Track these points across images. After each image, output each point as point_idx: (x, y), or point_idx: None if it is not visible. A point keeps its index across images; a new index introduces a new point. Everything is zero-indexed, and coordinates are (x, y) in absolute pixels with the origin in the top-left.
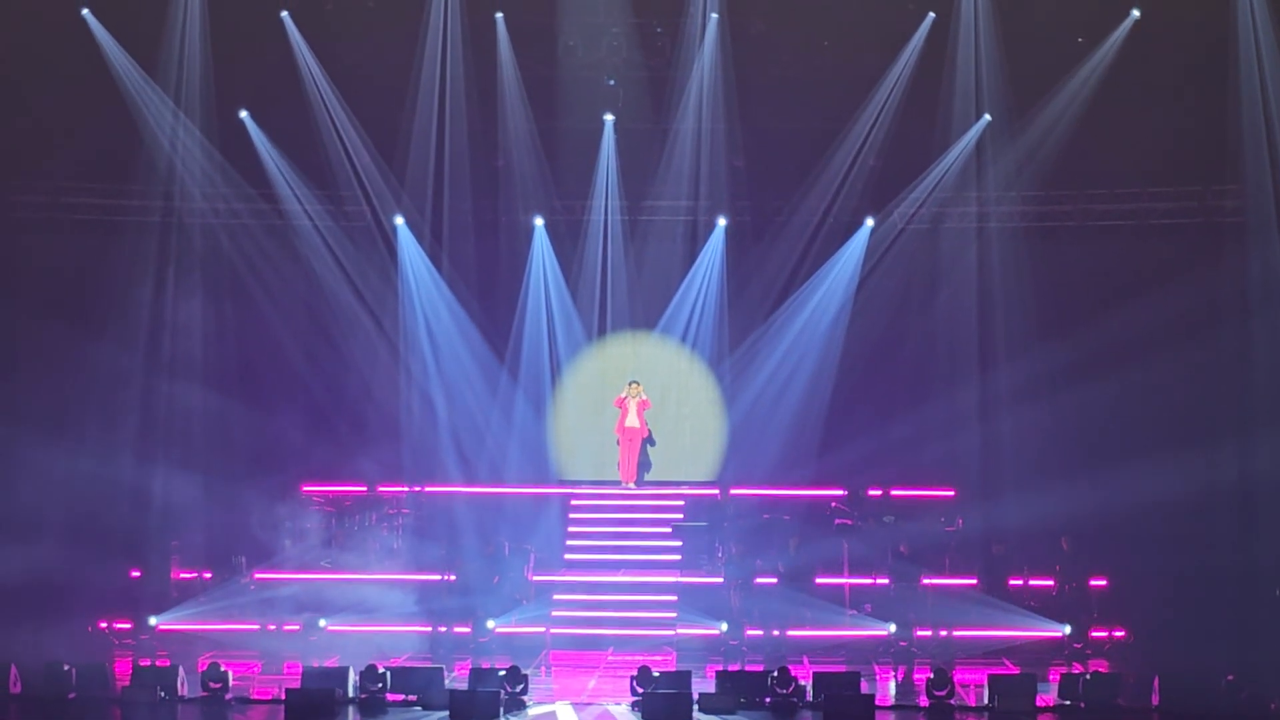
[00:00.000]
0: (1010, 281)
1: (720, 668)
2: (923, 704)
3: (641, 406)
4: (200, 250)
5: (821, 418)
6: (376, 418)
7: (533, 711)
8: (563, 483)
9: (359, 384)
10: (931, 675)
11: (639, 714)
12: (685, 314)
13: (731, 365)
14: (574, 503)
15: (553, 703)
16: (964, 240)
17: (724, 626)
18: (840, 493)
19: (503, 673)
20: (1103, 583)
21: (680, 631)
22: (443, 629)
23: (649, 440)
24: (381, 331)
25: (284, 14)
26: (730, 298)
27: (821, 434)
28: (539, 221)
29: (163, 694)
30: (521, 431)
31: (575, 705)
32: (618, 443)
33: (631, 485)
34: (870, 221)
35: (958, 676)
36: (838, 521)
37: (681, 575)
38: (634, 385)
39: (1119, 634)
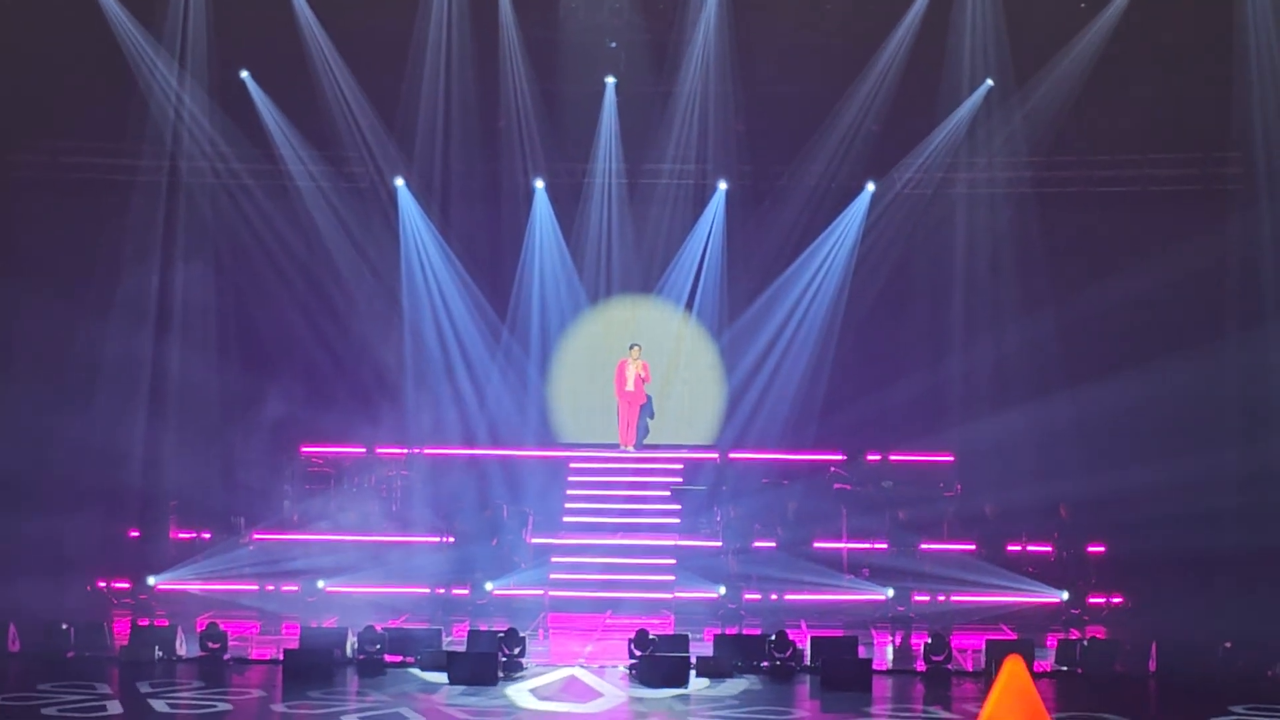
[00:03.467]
0: (1011, 247)
1: (718, 631)
2: (920, 669)
3: (640, 376)
4: (200, 211)
5: (821, 382)
6: (376, 380)
7: (531, 676)
8: (562, 445)
9: (359, 345)
10: (929, 640)
11: (637, 676)
12: (686, 278)
13: (732, 329)
14: (573, 465)
15: (551, 666)
16: (964, 205)
17: (722, 590)
18: (839, 457)
19: (501, 635)
20: (1100, 549)
21: (678, 595)
22: (441, 591)
23: (648, 408)
24: (382, 293)
25: None
26: (731, 262)
27: (822, 399)
28: (540, 184)
29: (161, 653)
30: (521, 394)
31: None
32: (618, 407)
33: (630, 448)
34: (872, 186)
35: (955, 642)
36: (836, 486)
37: (680, 539)
38: (635, 349)
39: (1117, 600)
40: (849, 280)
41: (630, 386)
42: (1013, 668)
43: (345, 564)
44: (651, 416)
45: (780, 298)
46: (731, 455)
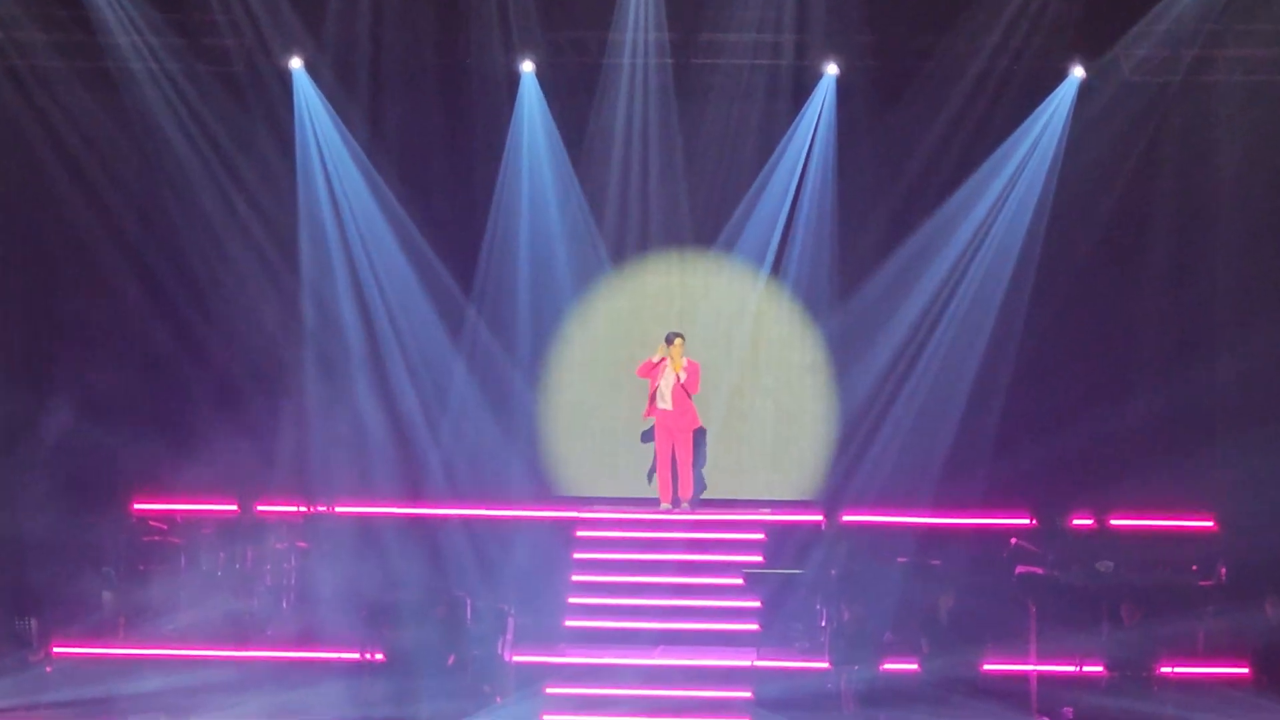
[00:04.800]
0: None
1: None
2: None
3: (688, 382)
4: None
5: (995, 400)
6: (256, 389)
7: None
8: (565, 502)
9: (227, 332)
10: None
11: None
12: (768, 224)
13: (845, 308)
14: (582, 535)
15: None
16: (1233, 99)
17: None
18: (1024, 522)
19: None
20: None
21: None
22: None
23: (700, 436)
24: (268, 246)
25: None
26: (844, 197)
27: (995, 427)
28: (527, 67)
29: None
30: (500, 416)
31: None
32: (652, 438)
33: (674, 506)
34: (1079, 72)
35: None
36: (1020, 570)
37: (760, 656)
38: (677, 342)
39: None
40: (1042, 227)
41: (667, 401)
42: None
43: (204, 696)
44: (702, 463)
45: (925, 257)
46: (846, 518)
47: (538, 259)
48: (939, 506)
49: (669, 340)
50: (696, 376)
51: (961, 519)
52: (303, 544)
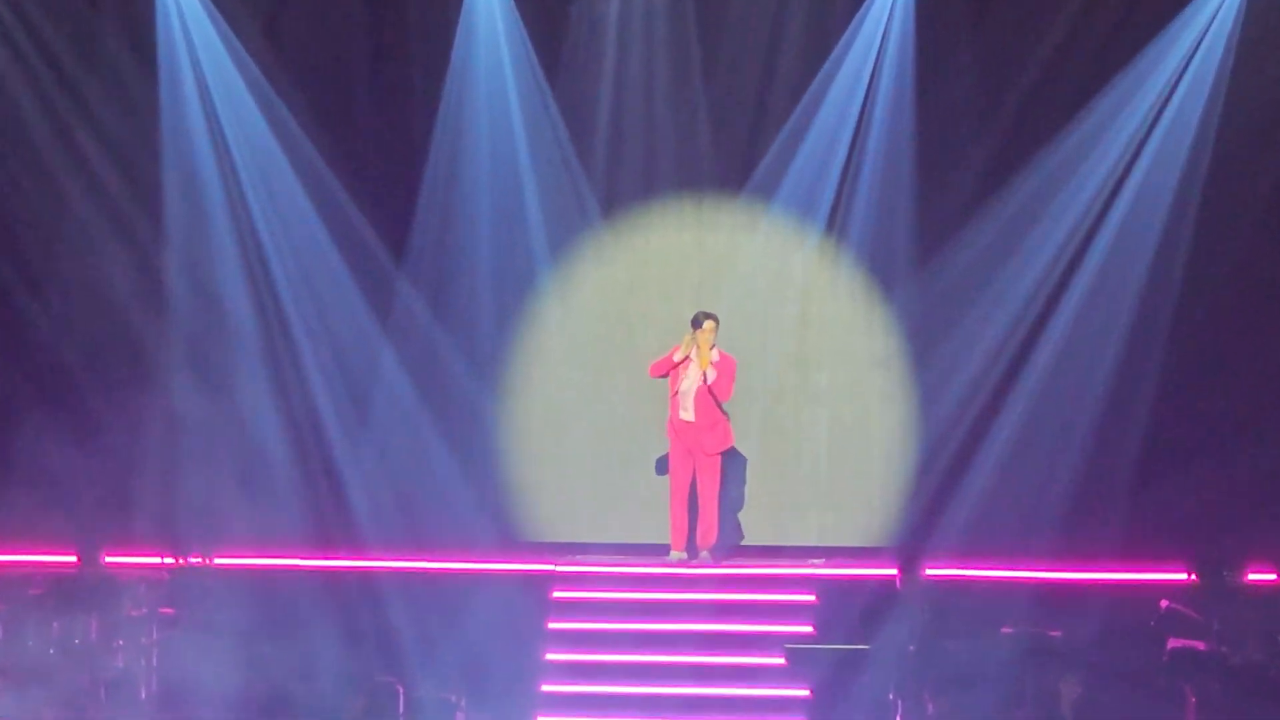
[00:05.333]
0: None
1: None
2: None
3: (719, 384)
4: None
5: (1138, 415)
6: (105, 390)
7: None
8: (537, 550)
9: (69, 309)
10: None
11: None
12: (815, 165)
13: (926, 285)
14: (560, 596)
15: None
16: None
17: None
18: (1181, 578)
19: None
20: None
21: None
22: None
23: (731, 460)
24: (124, 194)
25: None
26: (922, 128)
27: (1138, 450)
28: None
29: None
30: (446, 431)
31: None
32: (666, 467)
33: (690, 557)
34: None
35: None
36: (1174, 644)
37: None
38: (708, 326)
39: None
40: (1198, 183)
41: (689, 410)
42: None
43: None
44: (739, 504)
45: (1034, 217)
46: (929, 573)
47: (498, 212)
48: (1059, 557)
49: (696, 323)
50: (731, 377)
51: (1091, 574)
52: (168, 609)
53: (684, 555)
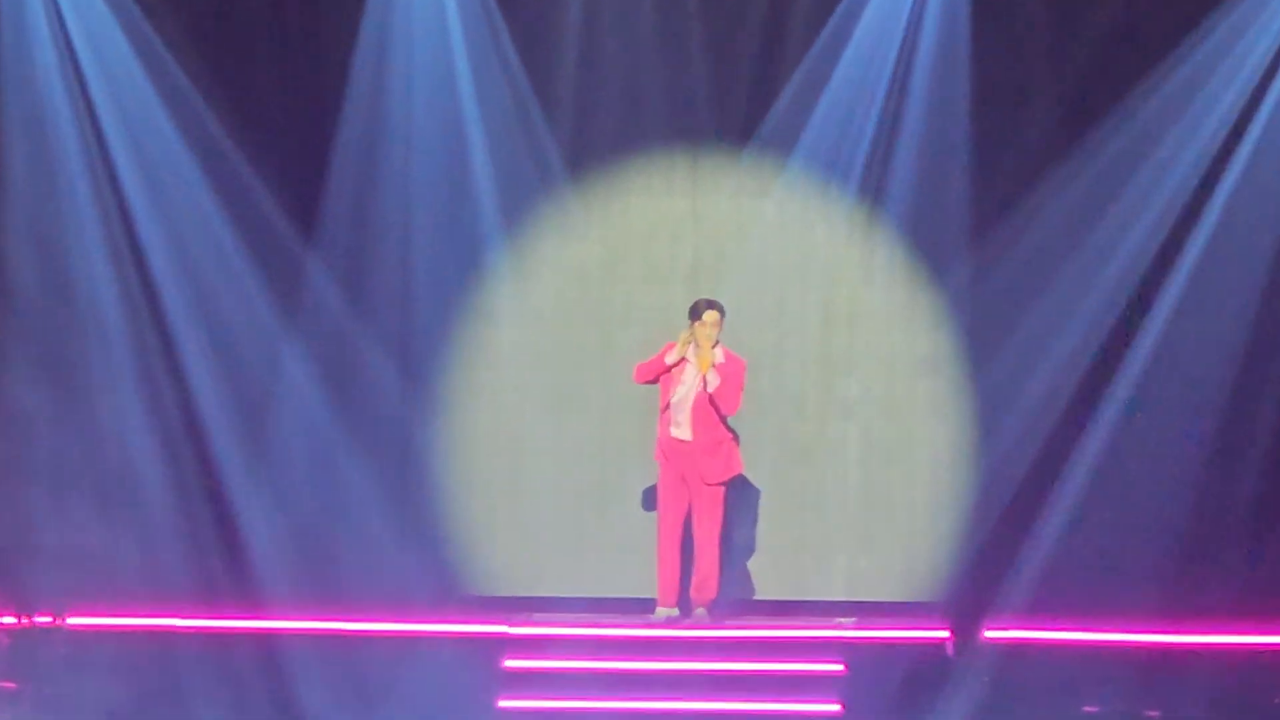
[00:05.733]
0: None
1: None
2: None
3: (722, 392)
4: None
5: (1258, 441)
6: None
7: None
8: (485, 607)
9: None
10: None
11: None
12: (843, 112)
13: (986, 267)
14: (514, 666)
15: None
16: None
17: None
18: None
19: None
20: None
21: None
22: None
23: (738, 491)
24: None
25: None
26: (979, 69)
27: (1255, 484)
28: None
29: None
30: (368, 455)
31: None
32: (654, 501)
33: (682, 616)
34: None
35: None
36: None
37: None
38: (708, 317)
39: None
40: None
41: (684, 426)
42: None
43: None
44: (749, 551)
45: (1120, 176)
46: (989, 635)
47: (435, 173)
48: (1158, 617)
49: (695, 314)
50: (739, 384)
51: (1198, 638)
52: (9, 683)
53: (674, 613)
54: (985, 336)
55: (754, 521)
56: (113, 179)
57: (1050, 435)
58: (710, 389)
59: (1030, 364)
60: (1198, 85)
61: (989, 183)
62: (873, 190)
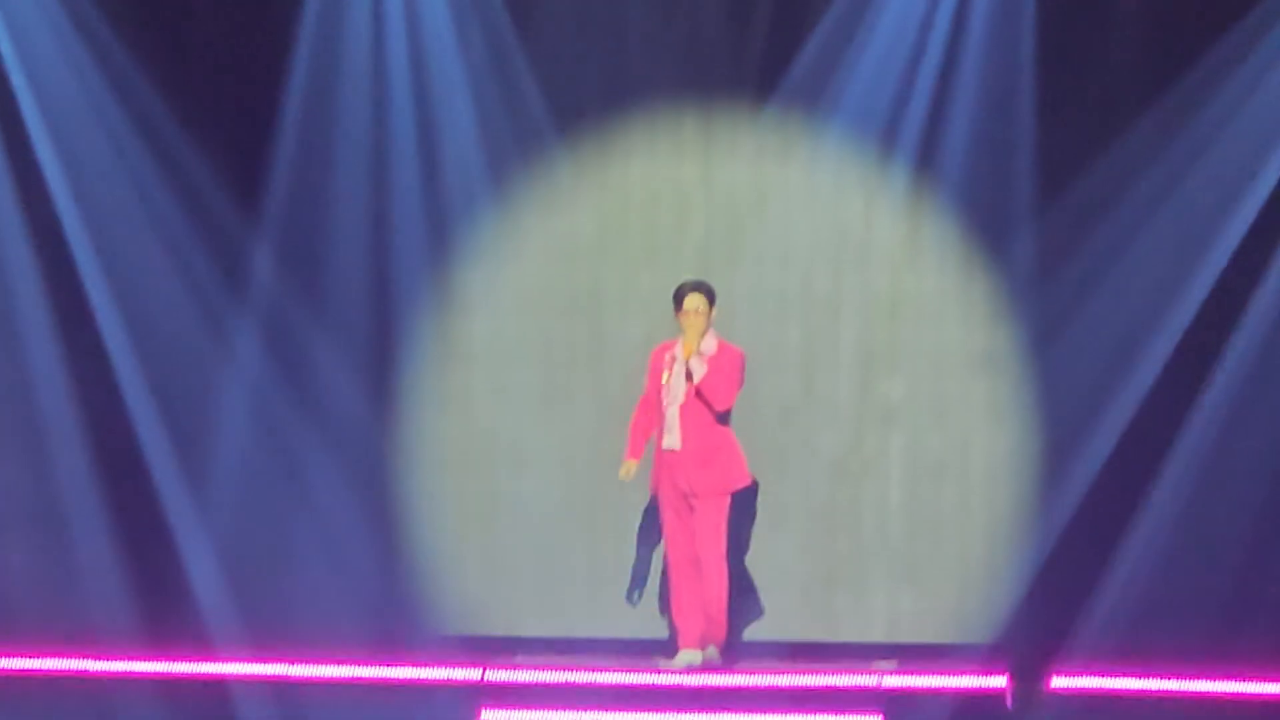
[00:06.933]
0: None
1: None
2: None
3: (711, 384)
4: None
5: None
6: None
7: None
8: (464, 650)
9: None
10: None
11: None
12: (884, 64)
13: (1050, 250)
14: (491, 716)
15: None
16: None
17: None
18: None
19: None
20: None
21: None
22: None
23: (747, 505)
24: None
25: None
26: (1045, 19)
27: None
28: None
29: None
30: (325, 471)
31: None
32: (646, 528)
33: (694, 661)
34: None
35: None
36: None
37: None
38: (692, 302)
39: None
40: None
41: (674, 433)
42: None
43: None
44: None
45: (1215, 146)
46: (1055, 684)
47: (400, 135)
48: (1257, 664)
49: (679, 299)
50: (733, 377)
51: None
52: None
53: (697, 658)
54: (1051, 330)
55: (777, 548)
56: (23, 146)
57: (1128, 447)
58: (696, 379)
59: (1103, 363)
60: None
61: (1057, 150)
62: (920, 156)
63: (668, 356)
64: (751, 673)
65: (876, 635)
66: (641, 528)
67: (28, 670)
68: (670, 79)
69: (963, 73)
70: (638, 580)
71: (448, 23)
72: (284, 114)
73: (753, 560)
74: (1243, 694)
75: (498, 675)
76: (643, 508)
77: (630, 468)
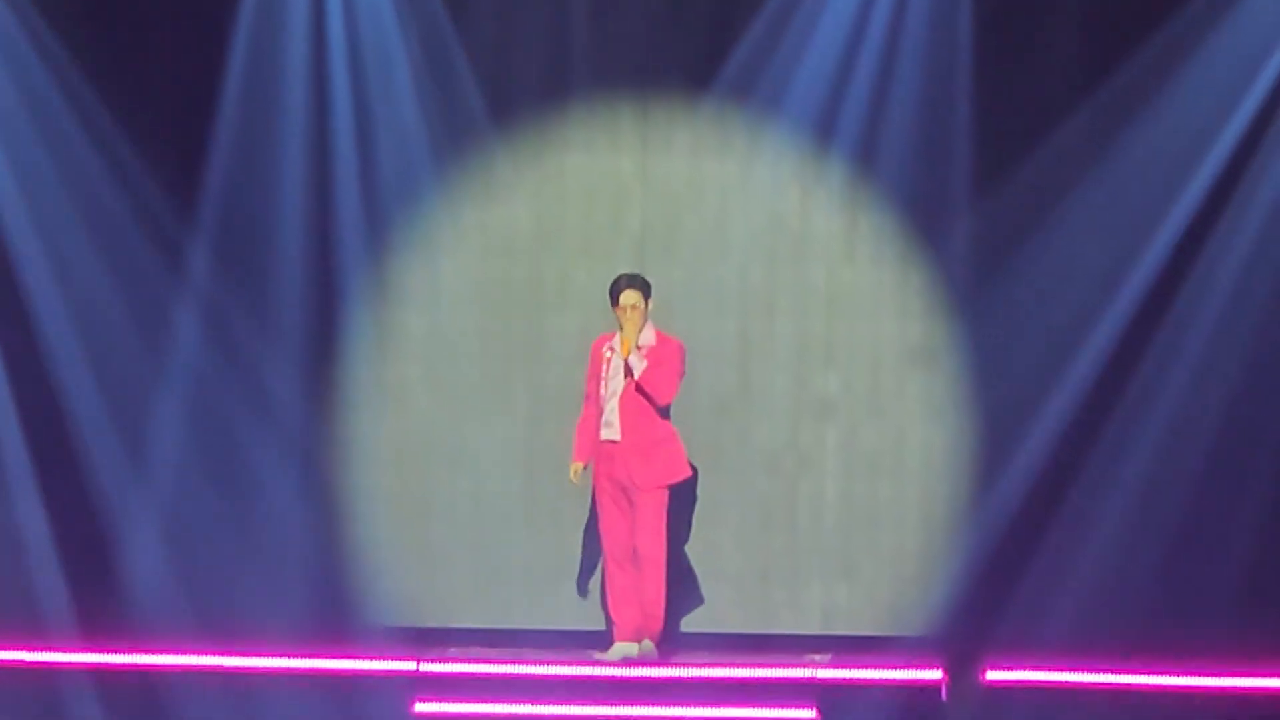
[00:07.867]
0: None
1: None
2: None
3: (652, 378)
4: None
5: None
6: None
7: None
8: (396, 641)
9: None
10: None
11: None
12: (824, 54)
13: (986, 240)
14: (424, 710)
15: None
16: None
17: None
18: None
19: None
20: None
21: None
22: None
23: (685, 496)
24: None
25: None
26: (982, 12)
27: None
28: None
29: None
30: (259, 464)
31: None
32: (591, 517)
33: (629, 654)
34: None
35: None
36: None
37: None
38: (628, 298)
39: None
40: None
41: (613, 425)
42: None
43: None
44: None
45: (1168, 132)
46: (990, 676)
47: (332, 127)
48: (1202, 655)
49: (614, 294)
50: (673, 369)
51: (1256, 680)
52: None
53: (634, 650)
54: (988, 324)
55: (713, 541)
56: None
57: (1064, 440)
58: (636, 375)
59: (1040, 356)
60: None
61: (995, 143)
62: (857, 149)
63: (606, 348)
64: (687, 665)
65: (812, 628)
66: (590, 519)
67: None
68: (607, 72)
69: (900, 65)
70: (586, 570)
71: (385, 15)
72: (222, 105)
73: (689, 553)
74: (1180, 687)
75: (432, 667)
76: (586, 500)
77: (578, 469)
